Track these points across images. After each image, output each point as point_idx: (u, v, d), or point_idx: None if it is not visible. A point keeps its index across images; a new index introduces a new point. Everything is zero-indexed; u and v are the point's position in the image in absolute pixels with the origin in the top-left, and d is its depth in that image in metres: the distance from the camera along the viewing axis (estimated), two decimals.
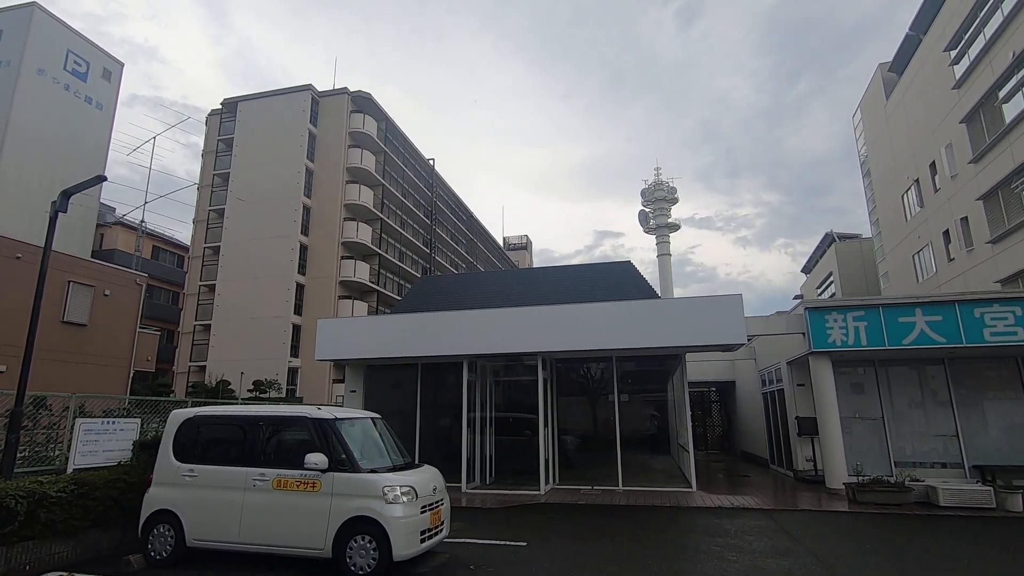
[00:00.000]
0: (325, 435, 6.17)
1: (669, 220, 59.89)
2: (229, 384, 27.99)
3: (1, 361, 16.91)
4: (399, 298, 34.41)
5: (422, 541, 5.89)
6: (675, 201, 60.50)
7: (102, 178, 8.10)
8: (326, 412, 6.48)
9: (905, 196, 25.16)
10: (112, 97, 38.25)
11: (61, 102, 34.65)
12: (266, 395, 26.71)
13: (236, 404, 12.27)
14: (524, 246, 78.00)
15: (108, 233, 37.77)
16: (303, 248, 33.56)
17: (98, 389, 17.73)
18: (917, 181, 23.53)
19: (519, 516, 9.27)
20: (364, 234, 34.54)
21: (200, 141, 40.69)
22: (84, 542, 6.68)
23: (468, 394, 12.38)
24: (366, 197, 35.12)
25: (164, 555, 6.25)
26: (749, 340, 13.96)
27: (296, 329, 32.41)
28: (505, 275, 25.25)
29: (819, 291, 38.27)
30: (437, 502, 6.36)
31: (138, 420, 8.48)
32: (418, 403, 13.49)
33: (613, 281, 14.47)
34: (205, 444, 6.71)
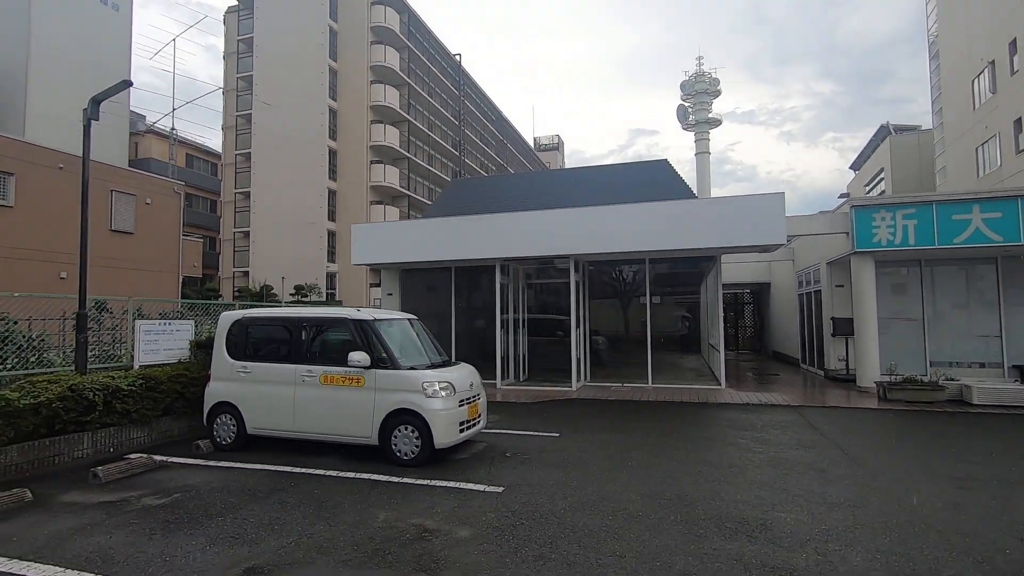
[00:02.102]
0: (365, 335, 6.44)
1: (710, 115, 56.47)
2: (272, 289, 29.19)
3: (62, 268, 17.91)
4: (430, 203, 34.31)
5: (461, 431, 6.29)
6: (717, 94, 56.67)
7: (128, 83, 7.97)
8: (365, 313, 6.71)
9: (976, 81, 22.82)
10: None
11: (79, 4, 33.59)
12: (307, 298, 27.84)
13: (280, 307, 12.83)
14: (555, 147, 75.42)
15: (142, 142, 38.00)
16: (332, 153, 33.26)
17: (151, 294, 18.75)
18: (992, 63, 21.20)
19: (551, 410, 9.74)
20: (392, 137, 33.83)
21: (220, 43, 39.28)
22: (157, 429, 7.39)
23: (501, 296, 12.60)
24: (392, 98, 33.96)
25: (228, 441, 6.88)
26: (788, 241, 13.55)
27: (331, 235, 32.99)
28: (536, 177, 24.68)
29: (868, 189, 36.25)
30: (474, 396, 6.71)
31: (192, 321, 9.00)
32: (453, 305, 13.85)
33: (648, 181, 13.97)
34: (255, 343, 7.12)
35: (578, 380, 12.22)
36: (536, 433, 7.79)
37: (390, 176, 33.59)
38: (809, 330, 15.74)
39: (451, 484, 5.40)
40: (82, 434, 6.46)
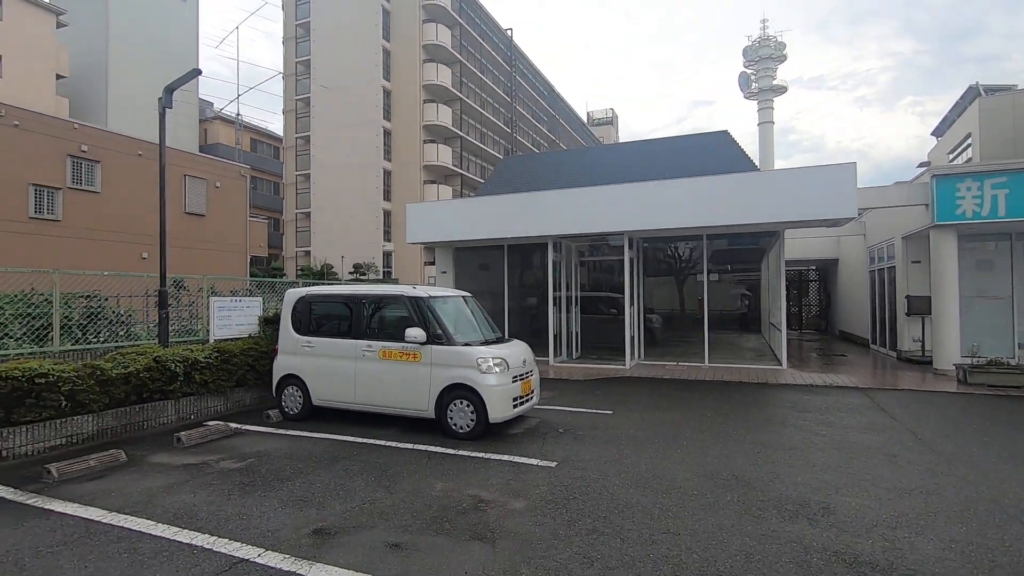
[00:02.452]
0: (421, 311, 6.60)
1: (774, 82, 53.46)
2: (332, 267, 30.30)
3: (143, 249, 19.24)
4: (482, 181, 34.40)
5: (514, 407, 6.38)
6: (783, 59, 53.51)
7: (197, 71, 8.36)
8: (421, 291, 6.87)
9: None
10: None
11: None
12: (365, 276, 28.74)
13: (340, 284, 13.33)
14: (609, 121, 73.63)
15: (210, 128, 39.89)
16: (387, 133, 33.81)
17: (221, 273, 19.89)
18: None
19: (604, 387, 9.72)
20: (444, 116, 34.01)
21: (280, 28, 40.42)
22: (232, 398, 7.90)
23: (554, 274, 12.58)
24: (444, 76, 34.04)
25: (295, 411, 7.28)
26: (860, 214, 12.78)
27: (387, 214, 33.75)
28: (590, 152, 24.23)
29: (952, 157, 33.48)
30: (527, 373, 6.78)
31: (260, 298, 9.50)
32: (505, 283, 13.95)
33: (707, 154, 13.45)
34: (318, 319, 7.45)
35: (632, 358, 12.10)
36: (589, 410, 7.80)
37: (443, 155, 33.88)
38: (880, 309, 14.87)
39: (505, 458, 5.52)
40: (166, 402, 7.01)
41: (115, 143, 19.77)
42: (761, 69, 54.15)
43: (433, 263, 21.21)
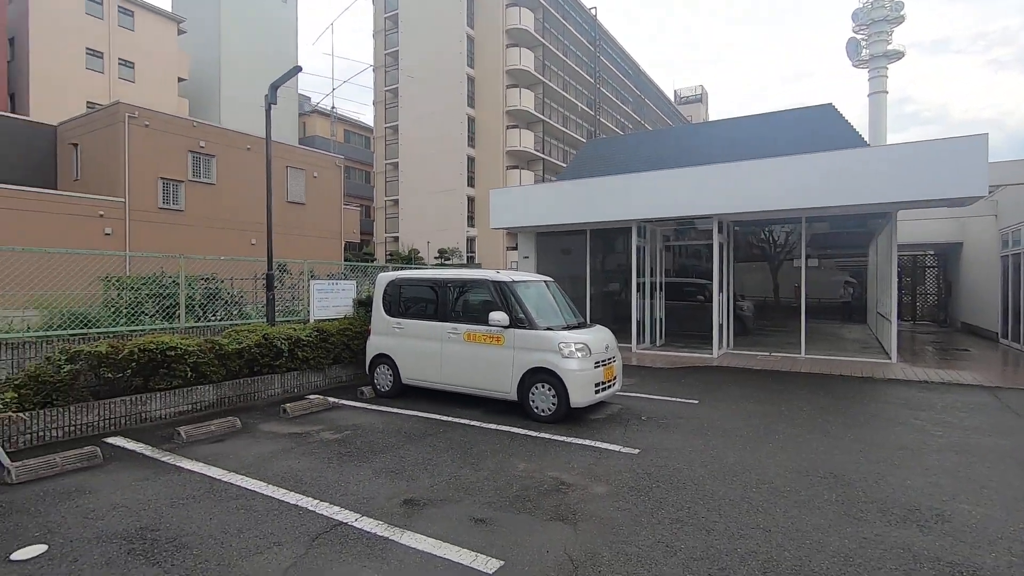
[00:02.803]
0: (504, 296, 6.72)
1: (889, 47, 48.43)
2: (419, 252, 31.41)
3: (251, 236, 20.95)
4: (564, 165, 34.13)
5: (596, 392, 6.36)
6: (899, 20, 48.28)
7: (298, 68, 8.92)
8: (504, 275, 6.99)
9: None
10: None
11: (255, 1, 37.80)
12: (449, 261, 29.54)
13: (426, 269, 13.82)
14: (699, 98, 70.21)
15: (308, 121, 42.42)
16: (471, 120, 34.33)
17: (318, 258, 21.25)
18: None
19: (690, 377, 9.42)
20: (527, 100, 33.97)
21: (370, 22, 42.03)
22: (329, 375, 8.49)
23: (637, 259, 12.30)
24: (527, 61, 33.93)
25: (387, 388, 7.69)
26: (990, 192, 11.36)
27: (470, 200, 34.41)
28: (676, 132, 23.29)
29: None
30: (609, 359, 6.72)
31: (354, 282, 10.07)
32: (587, 268, 13.82)
33: (808, 130, 12.49)
34: (407, 302, 7.79)
35: (720, 347, 11.61)
36: (674, 399, 7.61)
37: (525, 140, 33.93)
38: (1014, 299, 13.21)
39: (587, 442, 5.53)
40: (273, 376, 7.65)
41: (227, 139, 21.58)
42: (873, 33, 49.16)
43: (515, 248, 21.39)
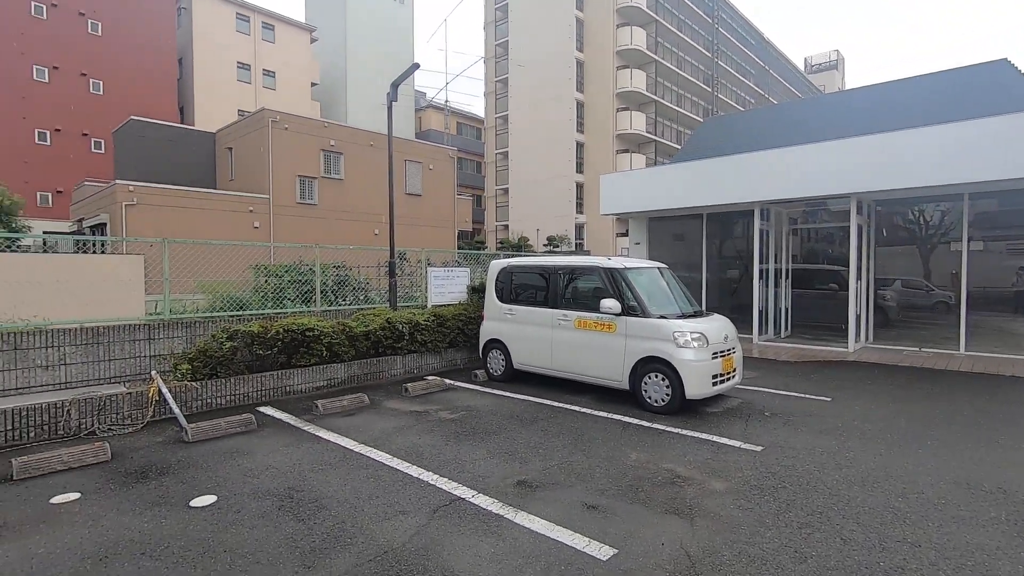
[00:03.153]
0: (616, 283, 6.60)
1: None
2: (528, 240, 31.80)
3: (374, 227, 22.46)
4: (678, 147, 32.61)
5: (714, 384, 6.06)
6: None
7: (416, 65, 9.36)
8: (615, 262, 6.86)
9: None
10: None
11: (376, 4, 40.13)
12: (558, 248, 29.61)
13: (536, 256, 13.97)
14: (833, 65, 63.43)
15: (423, 116, 44.42)
16: (579, 105, 33.92)
17: (433, 246, 22.27)
18: None
19: (821, 371, 8.65)
20: (638, 81, 32.84)
21: (481, 14, 42.87)
22: (445, 358, 8.91)
23: (760, 244, 11.45)
24: (638, 39, 32.73)
25: (499, 373, 7.92)
26: None
27: (579, 187, 34.11)
28: (806, 105, 21.23)
29: None
30: (729, 350, 6.36)
31: (468, 269, 10.44)
32: (703, 254, 13.14)
33: (974, 92, 10.79)
34: (518, 288, 7.93)
35: (856, 340, 10.51)
36: (801, 395, 7.04)
37: (636, 122, 32.86)
38: None
39: (703, 436, 5.30)
40: (395, 357, 8.20)
41: (353, 136, 23.26)
42: None
43: (626, 234, 20.89)
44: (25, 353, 6.09)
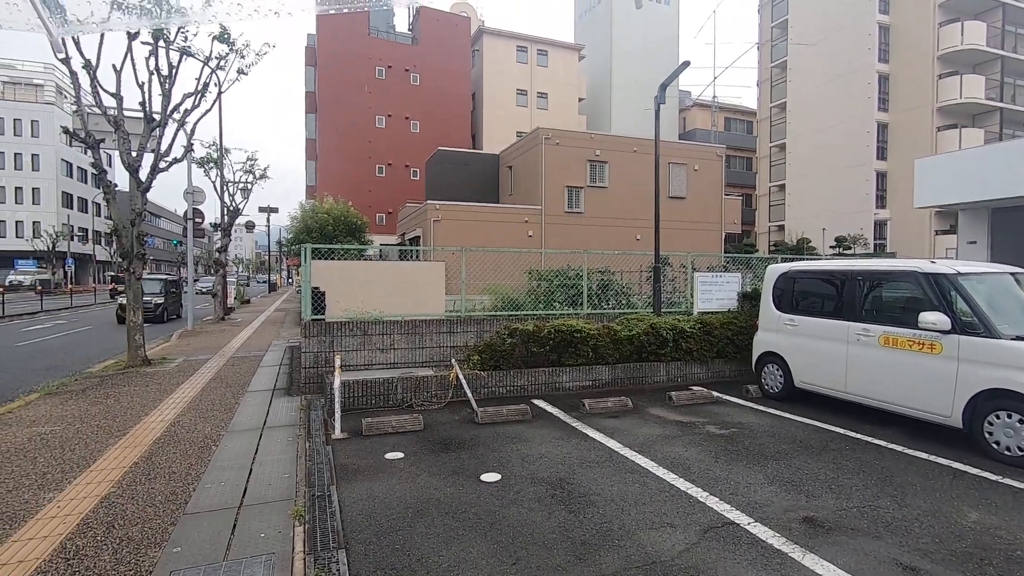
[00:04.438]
0: (943, 292, 5.25)
1: None
2: (809, 241, 27.91)
3: (636, 232, 22.57)
4: None
5: None
6: None
7: (686, 64, 9.08)
8: (943, 266, 5.46)
9: None
10: None
11: (642, 12, 40.50)
12: (850, 251, 25.26)
13: (822, 260, 12.11)
14: None
15: (688, 115, 42.94)
16: (882, 79, 28.33)
17: (696, 250, 21.22)
18: None
19: None
20: (973, 35, 25.79)
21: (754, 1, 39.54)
22: (711, 368, 8.37)
23: None
24: None
25: (776, 390, 7.08)
26: None
27: (880, 177, 28.51)
28: None
29: None
30: None
31: (739, 274, 9.65)
32: None
33: None
34: (801, 296, 6.98)
35: None
36: None
37: (969, 88, 25.83)
38: None
39: None
40: (658, 364, 8.04)
41: (616, 144, 23.82)
42: None
43: (950, 231, 16.67)
44: (370, 338, 7.87)
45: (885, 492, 4.09)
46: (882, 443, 5.24)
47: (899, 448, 5.09)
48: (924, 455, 4.90)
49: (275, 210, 37.13)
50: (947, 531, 3.47)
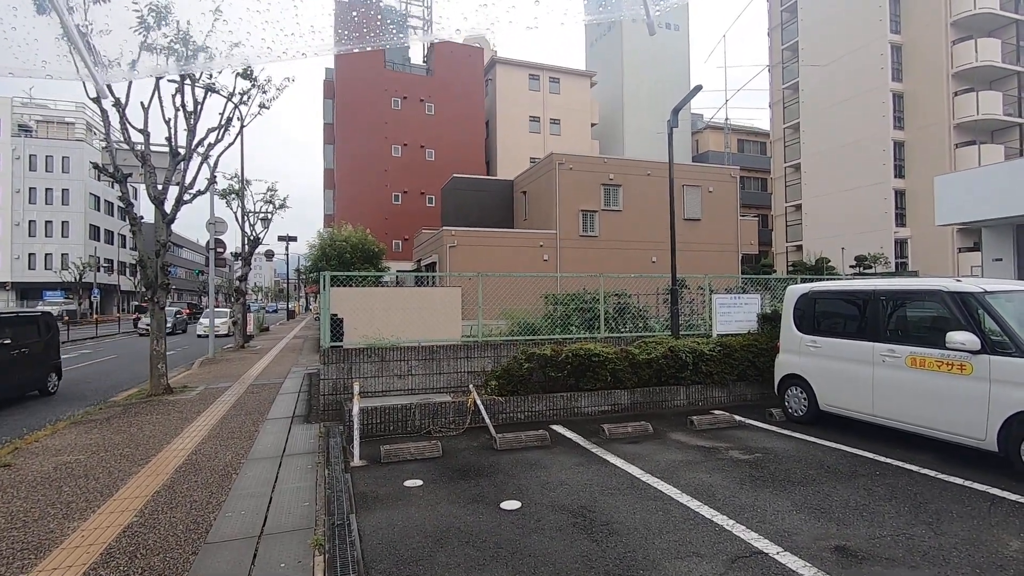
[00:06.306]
0: (970, 311, 5.13)
1: None
2: (828, 260, 27.58)
3: (652, 254, 22.51)
4: None
5: None
6: None
7: (698, 88, 9.16)
8: (969, 284, 5.35)
9: None
10: (684, 17, 42.55)
11: (652, 38, 41.21)
12: (870, 270, 24.89)
13: (842, 279, 11.93)
14: None
15: (701, 138, 43.13)
16: (896, 97, 28.25)
17: (713, 272, 21.06)
18: None
19: None
20: (988, 51, 25.70)
21: (764, 21, 40.03)
22: (733, 391, 8.23)
23: None
24: None
25: (800, 414, 6.92)
26: None
27: (899, 195, 28.21)
28: None
29: None
30: None
31: (758, 295, 9.54)
32: None
33: None
34: (823, 317, 6.86)
35: None
36: None
37: (986, 105, 25.63)
38: None
39: None
40: (678, 387, 7.92)
41: (630, 168, 23.94)
42: None
43: (974, 249, 16.37)
44: (387, 364, 7.89)
45: (920, 519, 3.94)
46: (914, 468, 5.07)
47: (932, 473, 4.92)
48: (959, 480, 4.73)
49: (294, 239, 37.79)
50: (988, 560, 3.32)
